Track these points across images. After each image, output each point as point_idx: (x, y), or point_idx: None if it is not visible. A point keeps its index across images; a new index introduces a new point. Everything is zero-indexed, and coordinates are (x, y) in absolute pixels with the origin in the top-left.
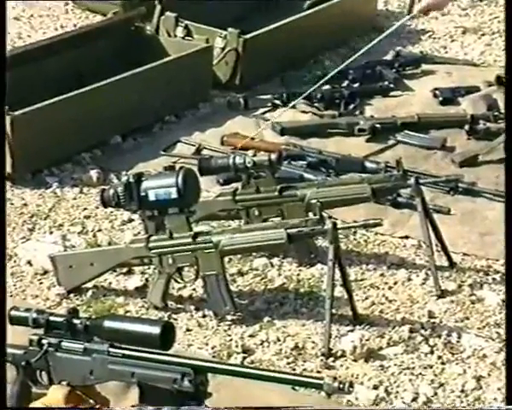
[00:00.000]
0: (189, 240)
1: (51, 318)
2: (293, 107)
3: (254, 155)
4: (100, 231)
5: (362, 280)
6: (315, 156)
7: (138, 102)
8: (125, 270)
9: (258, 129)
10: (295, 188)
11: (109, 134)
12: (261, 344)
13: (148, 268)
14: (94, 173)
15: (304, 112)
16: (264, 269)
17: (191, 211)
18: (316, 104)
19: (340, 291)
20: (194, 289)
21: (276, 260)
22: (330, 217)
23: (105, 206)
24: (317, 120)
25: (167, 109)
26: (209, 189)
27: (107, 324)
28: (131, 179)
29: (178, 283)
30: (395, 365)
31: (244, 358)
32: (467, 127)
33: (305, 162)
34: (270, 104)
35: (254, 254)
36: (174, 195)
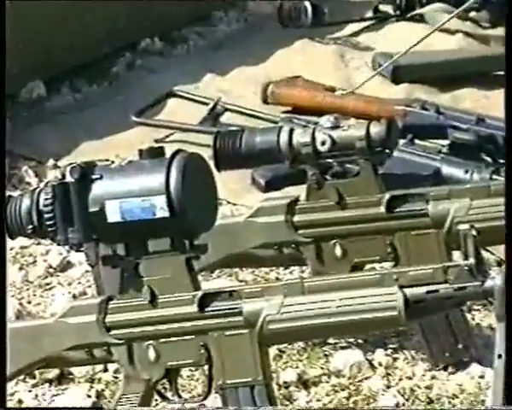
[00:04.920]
0: (193, 309)
1: None
2: (422, 19)
3: (336, 127)
4: None
5: None
6: (468, 128)
7: (79, 14)
8: (53, 374)
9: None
10: (423, 198)
11: (20, 78)
12: None
13: (105, 370)
14: None
15: (447, 31)
16: (356, 373)
17: (198, 247)
18: (472, 13)
19: None
20: None
21: (380, 354)
22: (500, 262)
23: (11, 235)
24: (476, 49)
25: (144, 26)
26: (236, 199)
27: None
28: (70, 177)
29: (168, 401)
30: None
31: None
32: None
33: (446, 142)
34: (370, 14)
35: (333, 339)
36: (162, 211)
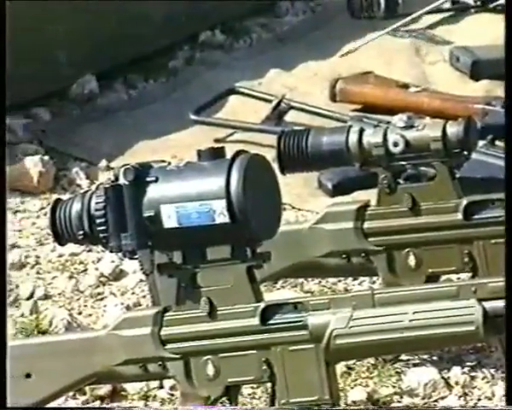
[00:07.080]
0: (255, 322)
1: None
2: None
3: (410, 127)
4: (48, 298)
5: None
6: None
7: (135, 3)
8: (105, 390)
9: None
10: (504, 204)
11: (70, 73)
12: None
13: (160, 387)
14: (33, 162)
15: None
16: (431, 393)
17: (260, 255)
18: None
19: None
20: None
21: (456, 372)
22: None
23: (60, 241)
24: None
25: (204, 17)
26: (302, 204)
27: None
28: (123, 179)
29: None
30: None
31: None
32: None
33: None
34: (448, 4)
35: (406, 355)
36: (222, 216)
